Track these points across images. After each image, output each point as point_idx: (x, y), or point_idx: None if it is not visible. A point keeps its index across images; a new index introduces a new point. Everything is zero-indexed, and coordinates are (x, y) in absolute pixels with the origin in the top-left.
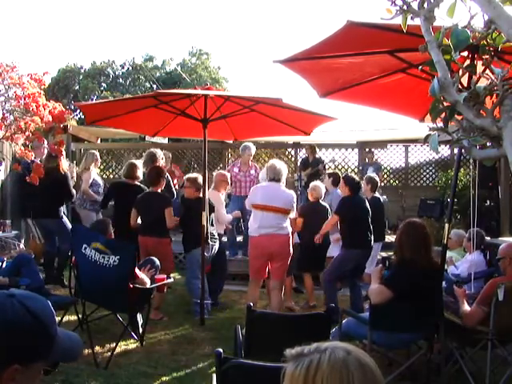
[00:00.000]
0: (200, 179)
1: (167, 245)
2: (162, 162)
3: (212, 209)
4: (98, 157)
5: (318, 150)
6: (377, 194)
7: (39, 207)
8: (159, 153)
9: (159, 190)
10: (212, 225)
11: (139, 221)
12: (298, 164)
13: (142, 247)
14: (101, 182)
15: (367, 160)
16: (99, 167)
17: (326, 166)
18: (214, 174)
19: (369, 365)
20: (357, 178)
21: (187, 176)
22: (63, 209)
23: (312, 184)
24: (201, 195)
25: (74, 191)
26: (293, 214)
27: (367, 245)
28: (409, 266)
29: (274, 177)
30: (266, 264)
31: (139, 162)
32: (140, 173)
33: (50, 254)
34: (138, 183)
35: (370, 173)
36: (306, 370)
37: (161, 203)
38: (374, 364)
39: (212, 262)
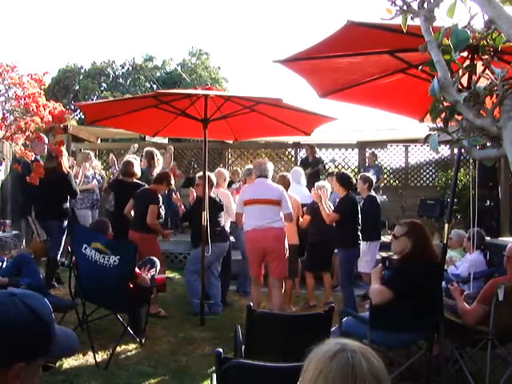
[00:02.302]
0: (212, 177)
1: (151, 240)
2: (160, 161)
3: (221, 207)
4: (90, 156)
5: (317, 149)
6: (372, 193)
7: (41, 208)
8: (157, 152)
9: (159, 192)
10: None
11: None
12: (298, 164)
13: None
14: (90, 174)
15: (368, 162)
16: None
17: (326, 166)
18: (215, 171)
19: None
20: (350, 175)
21: (200, 174)
22: (65, 210)
23: (318, 184)
24: (211, 194)
25: (77, 189)
26: (287, 210)
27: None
28: (416, 259)
29: (261, 173)
30: (261, 260)
31: (135, 160)
32: (137, 169)
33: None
34: (137, 180)
35: (370, 175)
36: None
37: (147, 200)
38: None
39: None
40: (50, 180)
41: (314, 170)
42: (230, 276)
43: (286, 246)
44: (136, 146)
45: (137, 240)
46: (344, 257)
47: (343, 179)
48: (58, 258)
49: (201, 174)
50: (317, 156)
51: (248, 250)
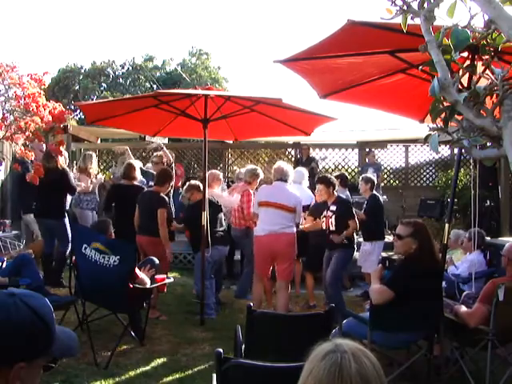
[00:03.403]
0: (197, 182)
1: (160, 244)
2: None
3: (219, 208)
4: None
5: (318, 150)
6: (375, 193)
7: (41, 207)
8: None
9: (161, 192)
10: (221, 225)
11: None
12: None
13: (139, 246)
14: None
15: (367, 160)
16: (99, 167)
17: (320, 165)
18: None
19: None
20: (332, 177)
21: (188, 185)
22: (66, 208)
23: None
24: (207, 196)
25: (75, 185)
26: (298, 219)
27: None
28: (419, 260)
29: (281, 177)
30: (270, 263)
31: (137, 163)
32: (138, 173)
33: (48, 254)
34: (137, 183)
35: (370, 173)
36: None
37: (154, 204)
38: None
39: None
40: (50, 179)
41: (308, 168)
42: (222, 275)
43: (296, 250)
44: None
45: (145, 244)
46: (342, 257)
47: (329, 181)
48: (67, 253)
49: (188, 184)
50: (311, 156)
51: (258, 252)
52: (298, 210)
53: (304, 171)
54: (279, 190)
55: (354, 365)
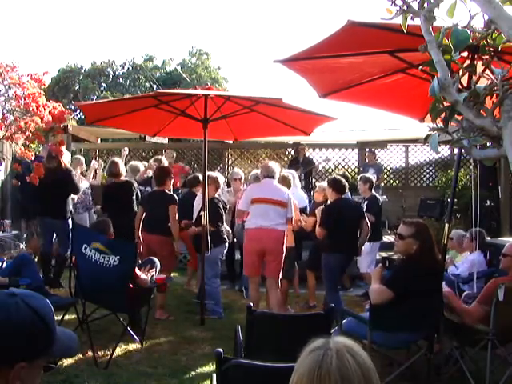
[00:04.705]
0: (219, 179)
1: (169, 243)
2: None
3: (223, 208)
4: (83, 160)
5: (312, 150)
6: (374, 193)
7: (45, 206)
8: (164, 159)
9: (166, 190)
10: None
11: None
12: (288, 164)
13: (145, 245)
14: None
15: (367, 161)
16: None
17: (320, 166)
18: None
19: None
20: (343, 180)
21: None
22: (70, 208)
23: (321, 184)
24: (216, 195)
25: (79, 186)
26: (291, 213)
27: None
28: (419, 260)
29: (268, 174)
30: (259, 259)
31: (120, 160)
32: (122, 169)
33: (46, 253)
34: (126, 179)
35: (370, 174)
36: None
37: (164, 201)
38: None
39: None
40: (53, 179)
41: (307, 169)
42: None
43: (284, 248)
44: (126, 149)
45: (156, 243)
46: (324, 263)
47: (331, 182)
48: (68, 255)
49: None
50: (308, 156)
51: (248, 248)
52: (289, 204)
53: (294, 173)
54: (270, 187)
55: (335, 362)
